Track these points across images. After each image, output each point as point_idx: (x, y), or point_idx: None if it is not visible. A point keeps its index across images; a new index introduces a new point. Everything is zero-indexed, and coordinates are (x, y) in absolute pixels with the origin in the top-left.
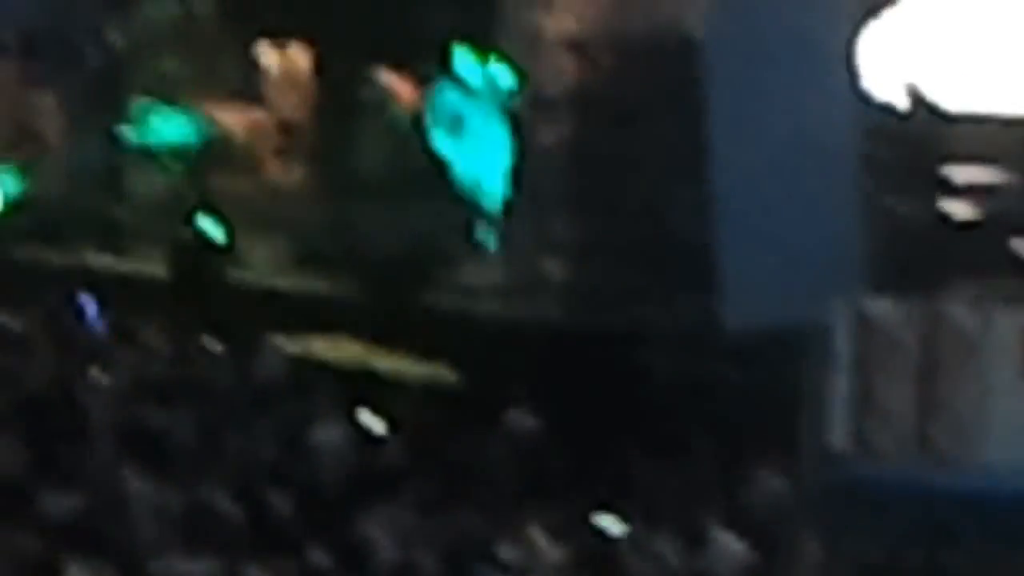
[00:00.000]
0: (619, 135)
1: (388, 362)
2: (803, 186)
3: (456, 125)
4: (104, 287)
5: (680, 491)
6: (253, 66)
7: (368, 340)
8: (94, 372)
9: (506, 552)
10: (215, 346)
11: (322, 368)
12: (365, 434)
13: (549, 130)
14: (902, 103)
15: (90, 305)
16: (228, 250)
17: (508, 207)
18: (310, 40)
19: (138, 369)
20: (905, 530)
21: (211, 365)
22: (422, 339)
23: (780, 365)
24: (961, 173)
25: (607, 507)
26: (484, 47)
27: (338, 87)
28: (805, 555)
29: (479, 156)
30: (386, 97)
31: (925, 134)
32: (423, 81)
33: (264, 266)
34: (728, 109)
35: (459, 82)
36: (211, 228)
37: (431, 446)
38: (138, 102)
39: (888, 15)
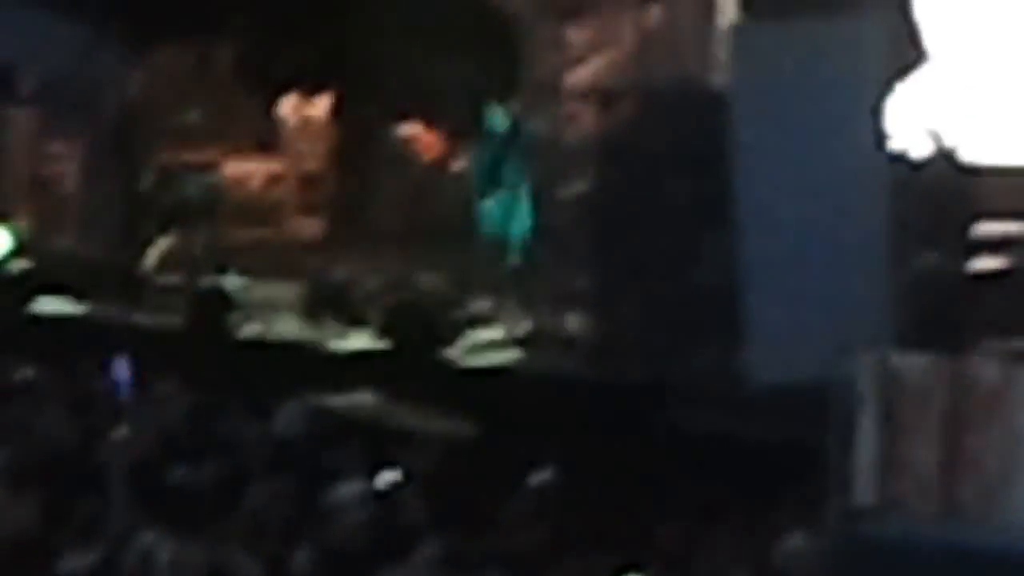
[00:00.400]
0: (642, 187)
1: (408, 416)
2: (830, 240)
3: (481, 177)
4: (122, 341)
5: (704, 548)
6: (272, 117)
7: (388, 394)
8: (113, 427)
9: None
10: (231, 400)
11: (342, 422)
12: (384, 489)
13: (572, 182)
14: (926, 153)
15: (122, 369)
16: (247, 303)
17: (530, 259)
18: (330, 91)
19: (156, 424)
20: None
21: (230, 419)
22: (442, 393)
23: (806, 420)
24: (989, 228)
25: (630, 566)
26: (507, 98)
27: (359, 139)
28: None
29: (502, 208)
30: (407, 149)
31: (953, 189)
32: (445, 133)
33: (282, 319)
34: (754, 162)
35: (484, 134)
36: (230, 282)
37: (450, 501)
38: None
39: (919, 71)
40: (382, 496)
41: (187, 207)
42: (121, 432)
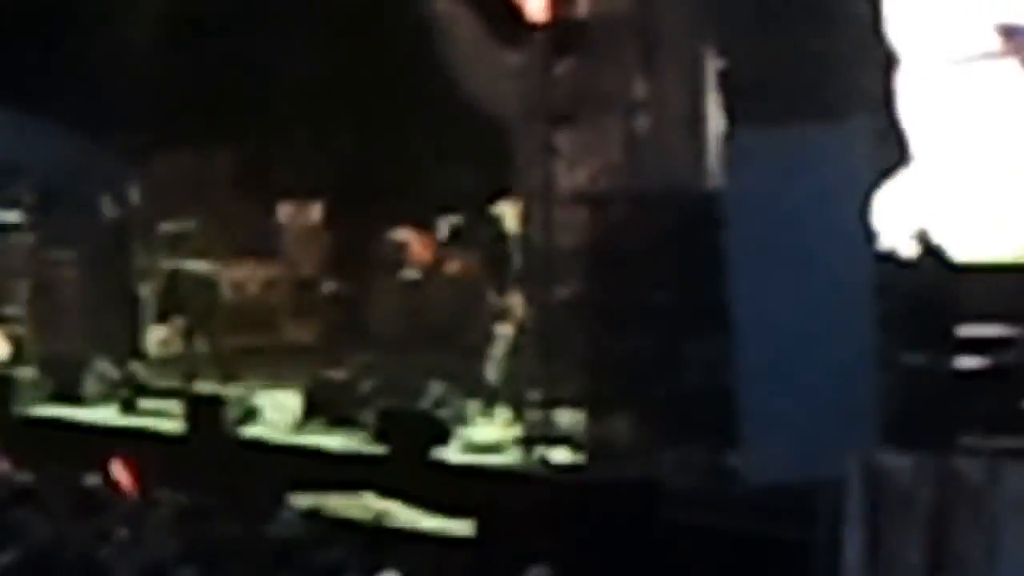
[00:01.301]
0: (632, 291)
1: (405, 516)
2: (818, 342)
3: None
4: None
5: None
6: (269, 223)
7: (385, 495)
8: (112, 531)
9: None
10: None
11: (339, 524)
12: None
13: (563, 282)
14: (912, 253)
15: (123, 474)
16: (243, 407)
17: (522, 361)
18: (324, 198)
19: (155, 527)
20: None
21: (228, 522)
22: (438, 493)
23: (796, 518)
24: (973, 329)
25: None
26: (498, 202)
27: (353, 244)
28: None
29: None
30: (401, 254)
31: (938, 291)
32: (438, 238)
33: (280, 423)
34: (742, 265)
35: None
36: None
37: None
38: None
39: (902, 174)
40: None
41: (186, 311)
42: (123, 534)
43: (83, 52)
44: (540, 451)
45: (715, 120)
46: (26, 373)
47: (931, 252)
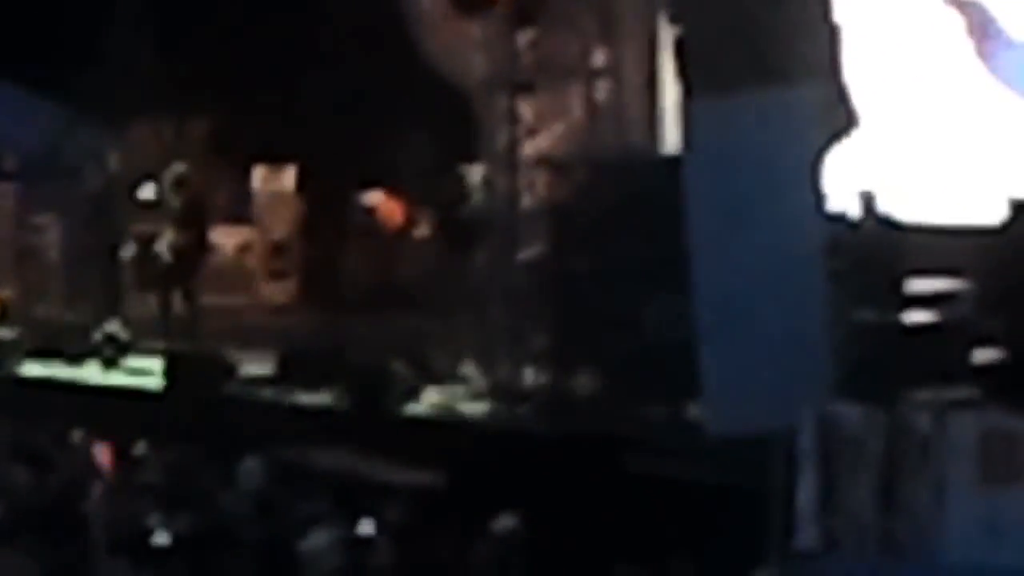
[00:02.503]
0: (596, 248)
1: (377, 469)
2: (773, 300)
3: None
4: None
5: None
6: (244, 188)
7: (357, 448)
8: (96, 486)
9: None
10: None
11: (313, 476)
12: (356, 539)
13: (527, 243)
14: (860, 213)
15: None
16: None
17: (490, 320)
18: (297, 163)
19: (136, 481)
20: None
21: (206, 475)
22: (409, 446)
23: (753, 468)
24: (921, 284)
25: None
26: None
27: (325, 208)
28: None
29: None
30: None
31: (887, 248)
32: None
33: (258, 379)
34: (701, 225)
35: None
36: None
37: (418, 549)
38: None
39: (852, 136)
40: (354, 543)
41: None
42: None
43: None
44: (507, 405)
45: (671, 87)
46: (9, 334)
47: (877, 213)
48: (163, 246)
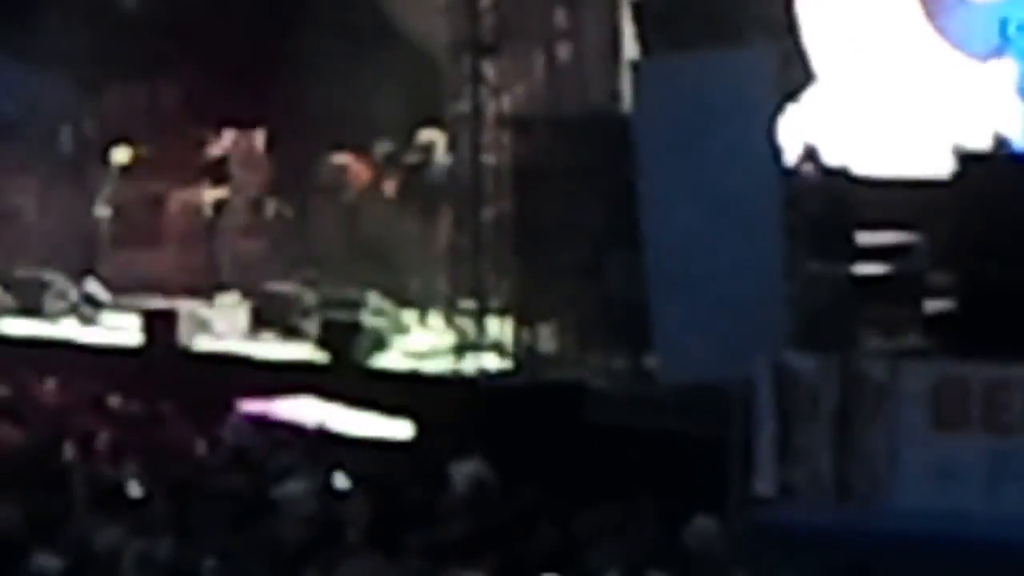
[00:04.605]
0: (556, 206)
1: (348, 421)
2: (729, 251)
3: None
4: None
5: (620, 536)
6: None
7: (328, 400)
8: (72, 438)
9: None
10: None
11: (287, 429)
12: (327, 488)
13: (491, 201)
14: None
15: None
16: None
17: (455, 275)
18: (267, 124)
19: (111, 434)
20: (825, 568)
21: (178, 428)
22: (378, 398)
23: (711, 417)
24: (874, 237)
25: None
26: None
27: (294, 168)
28: None
29: None
30: (340, 177)
31: (840, 203)
32: (374, 161)
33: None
34: (657, 181)
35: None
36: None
37: (387, 497)
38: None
39: (807, 93)
40: (327, 493)
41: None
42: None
43: None
44: (472, 358)
45: (630, 48)
46: None
47: (829, 167)
48: (138, 205)
